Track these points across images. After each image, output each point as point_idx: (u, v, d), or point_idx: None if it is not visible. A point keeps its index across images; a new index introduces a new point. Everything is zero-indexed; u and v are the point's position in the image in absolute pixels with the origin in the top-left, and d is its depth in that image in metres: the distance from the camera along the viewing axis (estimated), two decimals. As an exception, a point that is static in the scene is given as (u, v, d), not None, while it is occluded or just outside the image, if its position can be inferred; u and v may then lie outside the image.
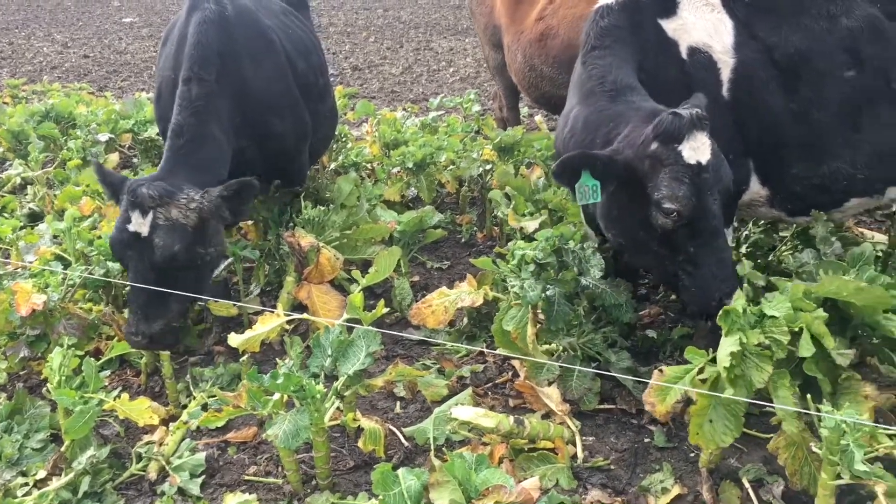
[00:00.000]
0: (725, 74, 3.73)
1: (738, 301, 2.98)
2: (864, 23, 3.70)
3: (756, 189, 3.89)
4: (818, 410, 2.66)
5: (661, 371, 3.12)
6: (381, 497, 2.62)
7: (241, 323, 4.57)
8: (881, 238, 4.98)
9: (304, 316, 3.69)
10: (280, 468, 3.43)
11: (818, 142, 3.77)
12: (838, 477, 2.62)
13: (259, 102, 4.56)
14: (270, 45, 4.75)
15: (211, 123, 4.21)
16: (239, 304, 4.43)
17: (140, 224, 3.75)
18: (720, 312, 2.94)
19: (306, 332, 4.46)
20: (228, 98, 4.37)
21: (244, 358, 3.93)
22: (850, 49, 3.69)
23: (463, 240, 6.08)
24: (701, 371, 3.02)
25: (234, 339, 3.48)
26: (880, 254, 4.42)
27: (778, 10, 3.75)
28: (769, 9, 3.75)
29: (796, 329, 2.88)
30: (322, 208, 4.64)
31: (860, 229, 5.50)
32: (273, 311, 3.56)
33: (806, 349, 2.84)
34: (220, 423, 3.53)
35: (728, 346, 2.86)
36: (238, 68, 4.48)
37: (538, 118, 9.02)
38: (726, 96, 3.74)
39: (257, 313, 4.65)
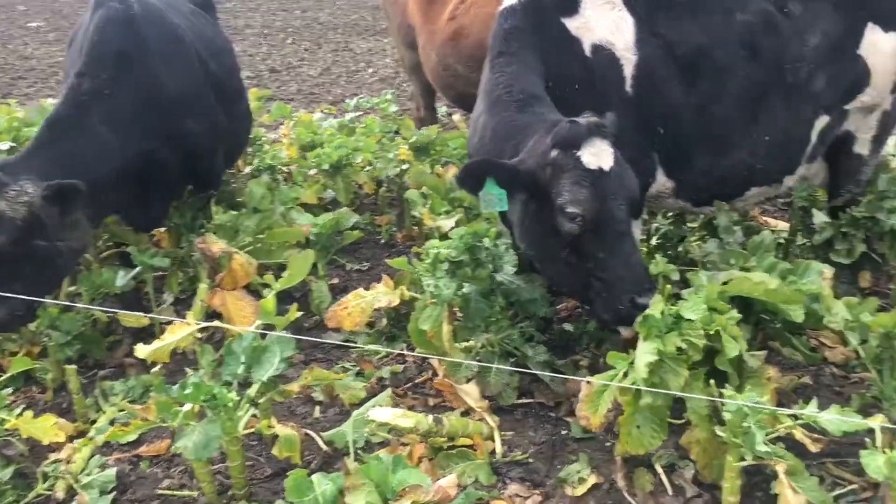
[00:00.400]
0: (628, 71, 3.80)
1: (656, 306, 3.00)
2: (758, 17, 3.83)
3: (662, 181, 3.98)
4: (721, 396, 2.74)
5: (588, 383, 3.12)
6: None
7: (153, 334, 4.44)
8: (784, 226, 5.15)
9: (215, 323, 3.61)
10: (195, 480, 3.35)
11: (719, 134, 3.89)
12: (742, 459, 2.70)
13: (171, 102, 4.45)
14: (181, 45, 4.65)
15: (94, 119, 4.10)
16: (150, 315, 4.31)
17: None
18: (639, 319, 2.95)
19: (222, 339, 4.37)
20: (132, 97, 4.26)
21: (156, 369, 3.84)
22: (746, 43, 3.81)
23: (382, 241, 6.06)
24: (625, 376, 3.05)
25: (142, 350, 3.39)
26: (782, 241, 4.60)
27: (676, 7, 3.84)
28: (668, 5, 3.84)
29: (712, 332, 2.94)
30: (234, 213, 4.55)
31: (764, 218, 5.70)
32: (182, 321, 3.47)
33: (731, 349, 2.91)
34: (131, 438, 3.43)
35: (645, 354, 2.88)
36: (146, 67, 4.36)
37: (456, 117, 9.06)
38: (630, 92, 3.81)
39: (170, 323, 4.55)
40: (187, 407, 3.03)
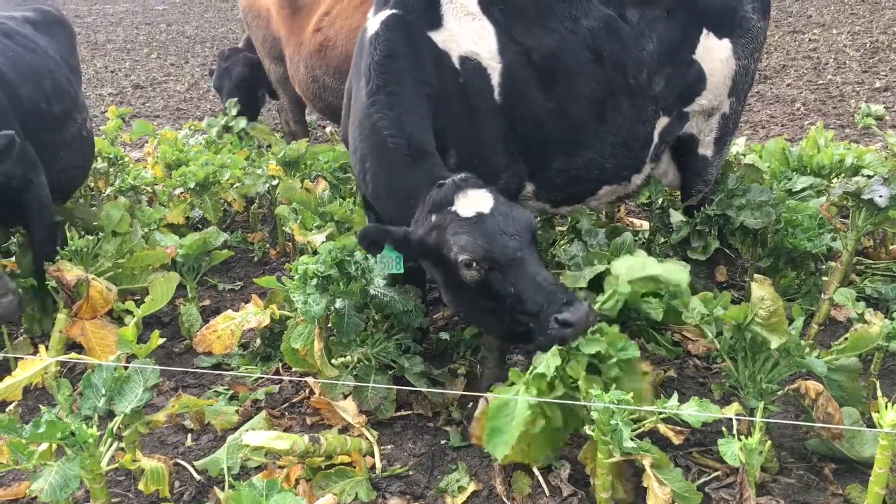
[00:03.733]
0: (495, 79, 3.83)
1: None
2: (601, 23, 3.98)
3: (525, 185, 4.06)
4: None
5: (486, 401, 3.08)
6: (162, 540, 2.48)
7: (8, 369, 4.18)
8: (647, 226, 5.37)
9: (72, 356, 3.40)
10: (57, 523, 3.15)
11: (574, 135, 4.01)
12: (611, 455, 2.78)
13: None
14: None
15: None
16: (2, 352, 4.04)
17: None
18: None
19: (84, 371, 4.15)
20: None
21: (10, 407, 3.60)
22: (592, 47, 3.95)
23: (256, 258, 5.94)
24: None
25: None
26: (643, 240, 4.79)
27: (528, 14, 3.92)
28: (521, 13, 3.91)
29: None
30: (91, 238, 4.32)
31: (630, 219, 5.93)
32: (33, 357, 3.26)
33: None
34: (-18, 483, 3.19)
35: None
36: None
37: (329, 129, 9.00)
38: (498, 100, 3.84)
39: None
40: (43, 447, 2.86)
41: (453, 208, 3.19)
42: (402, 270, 3.39)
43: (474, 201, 3.20)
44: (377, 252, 3.37)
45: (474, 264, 3.12)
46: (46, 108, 4.76)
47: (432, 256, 3.28)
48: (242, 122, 7.57)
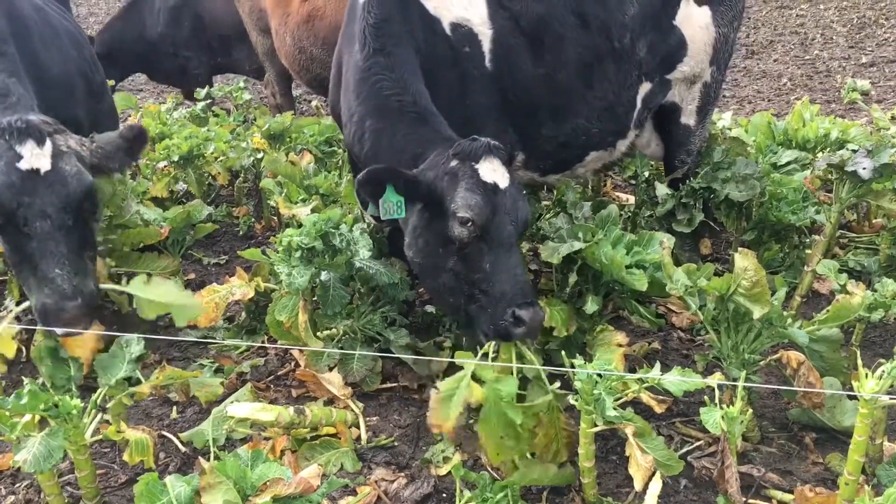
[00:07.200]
0: (486, 46, 3.81)
1: None
2: None
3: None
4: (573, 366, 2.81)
5: (436, 389, 3.00)
6: (147, 509, 2.47)
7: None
8: (633, 200, 5.37)
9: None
10: (42, 494, 3.15)
11: (562, 101, 4.02)
12: (595, 425, 2.79)
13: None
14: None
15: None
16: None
17: (38, 156, 3.13)
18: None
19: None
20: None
21: (-6, 379, 3.59)
22: (577, 12, 3.94)
23: (241, 232, 5.91)
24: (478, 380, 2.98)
25: None
26: (630, 214, 4.80)
27: None
28: None
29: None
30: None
31: (616, 193, 5.93)
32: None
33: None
34: (-33, 455, 3.18)
35: None
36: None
37: (315, 103, 8.94)
38: (489, 67, 3.82)
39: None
40: (26, 418, 2.85)
41: (476, 165, 3.17)
42: (403, 215, 3.29)
43: (496, 171, 3.18)
44: (378, 196, 3.24)
45: (470, 224, 3.10)
46: (92, 76, 4.57)
47: (432, 200, 3.22)
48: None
